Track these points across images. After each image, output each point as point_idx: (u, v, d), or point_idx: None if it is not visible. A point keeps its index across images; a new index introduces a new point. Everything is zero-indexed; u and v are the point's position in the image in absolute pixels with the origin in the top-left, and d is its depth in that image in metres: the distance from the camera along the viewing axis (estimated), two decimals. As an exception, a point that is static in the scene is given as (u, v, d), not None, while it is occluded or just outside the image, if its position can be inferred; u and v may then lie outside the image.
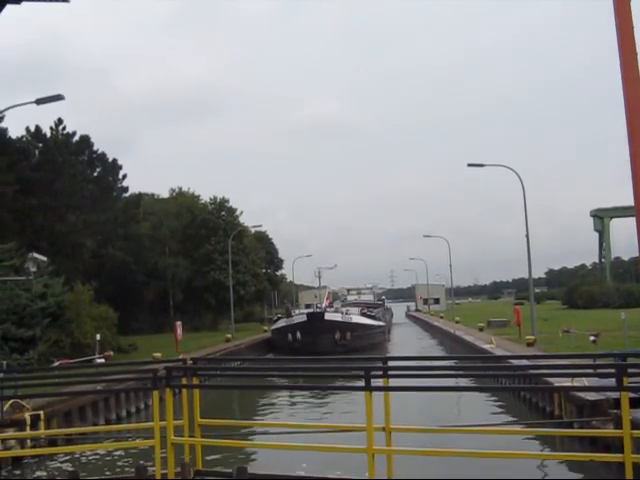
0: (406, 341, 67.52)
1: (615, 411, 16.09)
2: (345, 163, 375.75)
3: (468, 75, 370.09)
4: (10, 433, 18.30)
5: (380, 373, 8.69)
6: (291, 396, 30.06)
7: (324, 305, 65.88)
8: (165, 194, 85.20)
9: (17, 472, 18.08)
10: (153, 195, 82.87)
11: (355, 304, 76.92)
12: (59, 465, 18.47)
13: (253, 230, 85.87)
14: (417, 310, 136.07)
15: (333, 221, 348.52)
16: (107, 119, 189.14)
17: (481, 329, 50.02)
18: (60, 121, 54.79)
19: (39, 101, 25.61)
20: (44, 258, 31.73)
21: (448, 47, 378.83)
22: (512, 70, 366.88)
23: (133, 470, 8.91)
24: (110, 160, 59.21)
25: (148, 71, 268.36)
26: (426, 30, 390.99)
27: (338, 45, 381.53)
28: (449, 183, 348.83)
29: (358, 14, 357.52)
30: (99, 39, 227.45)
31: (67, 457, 18.93)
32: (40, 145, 53.81)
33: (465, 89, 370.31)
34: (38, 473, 18.12)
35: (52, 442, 18.32)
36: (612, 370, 8.04)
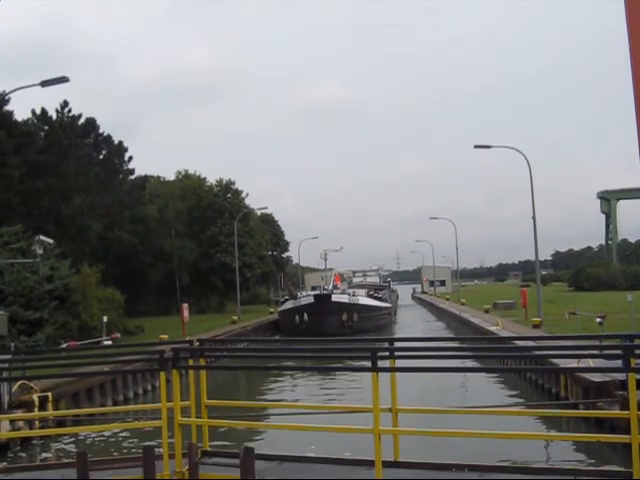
0: (412, 323, 67.55)
1: (621, 393, 16.10)
2: (349, 146, 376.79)
3: (471, 57, 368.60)
4: (18, 414, 18.44)
5: (387, 354, 8.70)
6: (298, 377, 30.13)
7: (331, 285, 65.82)
8: (171, 177, 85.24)
9: (23, 455, 18.18)
10: (159, 177, 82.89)
11: (361, 286, 76.93)
12: (67, 445, 18.60)
13: (259, 212, 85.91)
14: (423, 292, 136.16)
15: (338, 203, 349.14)
16: (112, 105, 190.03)
17: (487, 311, 50.07)
18: (66, 104, 54.78)
19: (44, 83, 25.51)
20: (50, 240, 31.78)
21: (449, 30, 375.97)
22: (516, 51, 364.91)
23: (140, 451, 8.94)
24: (116, 143, 59.24)
25: (152, 57, 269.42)
26: (427, 13, 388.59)
27: (341, 29, 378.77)
28: (455, 165, 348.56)
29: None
30: (102, 26, 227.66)
31: (74, 438, 19.05)
32: (46, 128, 53.81)
33: (469, 71, 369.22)
34: (44, 454, 18.24)
35: (60, 423, 18.42)
36: (619, 351, 8.02)
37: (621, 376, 15.57)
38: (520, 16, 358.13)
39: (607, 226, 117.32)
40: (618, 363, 7.78)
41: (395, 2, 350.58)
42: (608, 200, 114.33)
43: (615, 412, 13.60)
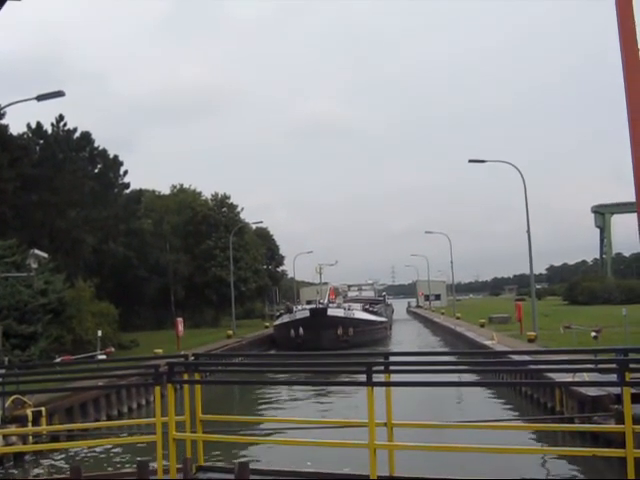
0: (407, 338, 67.42)
1: (616, 407, 16.07)
2: (344, 160, 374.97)
3: (467, 73, 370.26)
4: (12, 429, 18.32)
5: (382, 368, 8.69)
6: (293, 392, 30.01)
7: (327, 299, 65.71)
8: (166, 191, 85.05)
9: (15, 471, 18.02)
10: (154, 192, 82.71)
11: (356, 300, 76.84)
12: (59, 461, 18.46)
13: (254, 226, 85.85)
14: (418, 306, 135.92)
15: (333, 218, 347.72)
16: (107, 120, 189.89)
17: (482, 325, 50.02)
18: (61, 117, 54.64)
19: (40, 97, 25.50)
20: (45, 254, 31.63)
21: (445, 46, 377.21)
22: (509, 67, 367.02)
23: (134, 466, 8.90)
24: (111, 156, 59.14)
25: (147, 73, 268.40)
26: (423, 28, 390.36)
27: (333, 44, 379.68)
28: (450, 180, 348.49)
29: (352, 15, 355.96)
30: (99, 42, 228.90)
31: (67, 454, 18.92)
32: (41, 142, 53.69)
33: (464, 87, 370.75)
34: (37, 470, 18.10)
35: (54, 438, 18.31)
36: (614, 365, 8.02)
37: (616, 390, 15.56)
38: (516, 32, 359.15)
39: (601, 240, 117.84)
40: (613, 377, 7.78)
41: (391, 20, 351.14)
42: (602, 214, 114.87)
43: (610, 426, 13.56)
